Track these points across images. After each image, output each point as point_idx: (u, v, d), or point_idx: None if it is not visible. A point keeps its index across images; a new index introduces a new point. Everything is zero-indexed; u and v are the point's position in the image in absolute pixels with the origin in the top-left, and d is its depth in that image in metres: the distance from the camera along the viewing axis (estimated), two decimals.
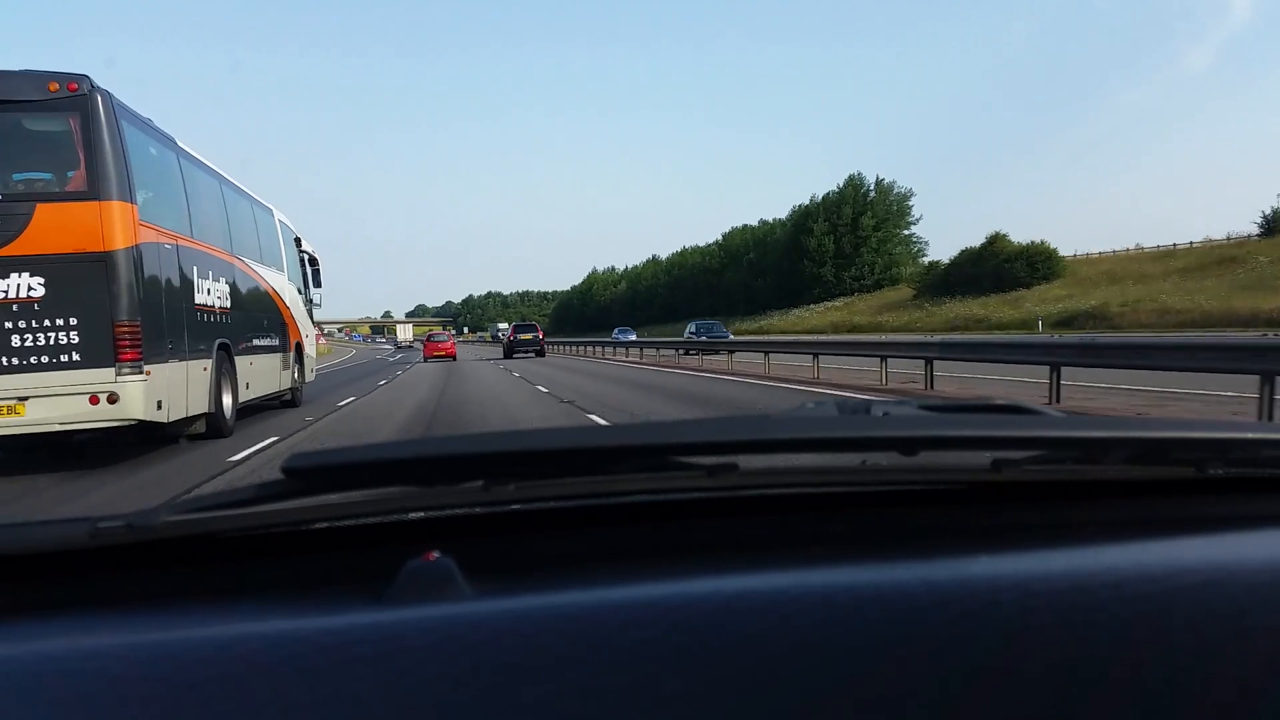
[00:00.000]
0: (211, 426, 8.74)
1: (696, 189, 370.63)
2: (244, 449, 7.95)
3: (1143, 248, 56.03)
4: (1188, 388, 9.54)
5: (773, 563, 0.65)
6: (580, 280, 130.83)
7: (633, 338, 40.21)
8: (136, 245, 7.03)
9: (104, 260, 6.79)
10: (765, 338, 31.53)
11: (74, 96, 6.81)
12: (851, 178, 72.78)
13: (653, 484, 0.72)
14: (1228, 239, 49.27)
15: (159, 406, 7.25)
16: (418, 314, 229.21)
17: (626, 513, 0.76)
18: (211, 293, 9.14)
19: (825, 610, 0.53)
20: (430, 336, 40.85)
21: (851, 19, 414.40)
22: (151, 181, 8.01)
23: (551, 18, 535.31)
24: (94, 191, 6.81)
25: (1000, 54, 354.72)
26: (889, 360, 13.27)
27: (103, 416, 6.82)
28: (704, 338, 29.84)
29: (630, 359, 29.33)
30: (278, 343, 12.03)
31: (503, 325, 55.35)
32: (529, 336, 35.99)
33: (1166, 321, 34.59)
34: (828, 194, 73.24)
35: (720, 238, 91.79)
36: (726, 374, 17.26)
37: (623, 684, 0.48)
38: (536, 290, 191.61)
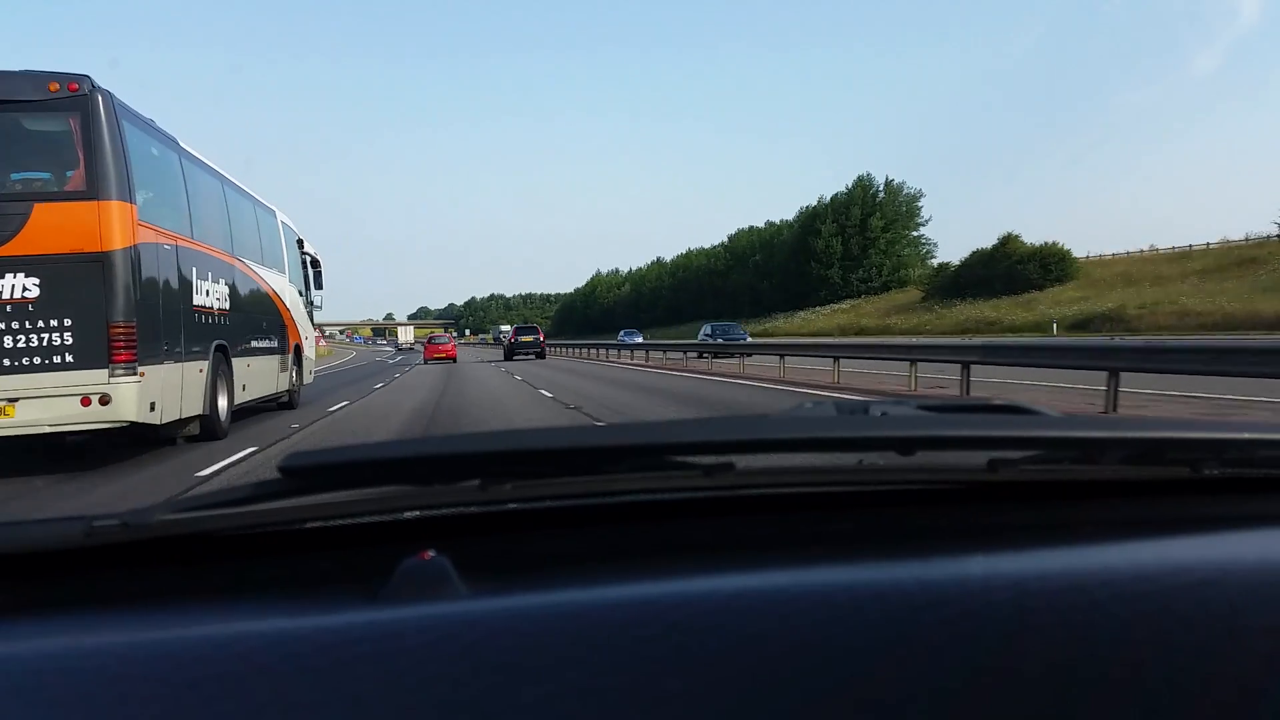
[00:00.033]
0: (205, 429, 8.74)
1: (701, 191, 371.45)
2: (219, 460, 7.48)
3: (1157, 249, 55.69)
4: (1255, 394, 8.81)
5: (771, 562, 0.65)
6: (584, 282, 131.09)
7: (639, 340, 39.79)
8: (134, 245, 7.04)
9: (101, 260, 6.79)
10: (786, 340, 30.47)
11: (74, 96, 6.83)
12: (860, 178, 72.73)
13: (650, 483, 0.72)
14: (1246, 240, 48.87)
15: (152, 408, 7.25)
16: (420, 316, 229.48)
17: (624, 512, 0.77)
18: (210, 294, 9.16)
19: (824, 610, 0.53)
20: (431, 339, 41.32)
21: (856, 21, 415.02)
22: (152, 182, 8.03)
23: (555, 21, 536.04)
24: (93, 191, 6.82)
25: (1005, 55, 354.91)
26: (919, 364, 12.55)
27: (94, 418, 6.82)
28: (720, 340, 28.50)
29: (636, 362, 28.84)
30: (276, 345, 12.04)
31: (505, 327, 55.47)
32: (529, 339, 36.37)
33: (1187, 324, 33.97)
34: (836, 195, 73.26)
35: (726, 239, 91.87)
36: (740, 378, 16.78)
37: (621, 684, 0.48)
38: (539, 292, 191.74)
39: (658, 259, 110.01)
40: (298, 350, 13.32)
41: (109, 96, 7.03)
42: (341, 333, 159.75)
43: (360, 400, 14.75)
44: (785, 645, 0.50)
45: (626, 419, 10.53)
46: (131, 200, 7.07)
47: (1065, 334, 36.05)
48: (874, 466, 0.77)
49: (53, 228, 6.76)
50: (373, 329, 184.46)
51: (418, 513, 0.73)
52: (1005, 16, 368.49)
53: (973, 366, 11.10)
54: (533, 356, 35.21)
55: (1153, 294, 41.34)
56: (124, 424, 6.95)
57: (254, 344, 10.85)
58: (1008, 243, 55.22)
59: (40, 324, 6.70)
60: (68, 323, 6.76)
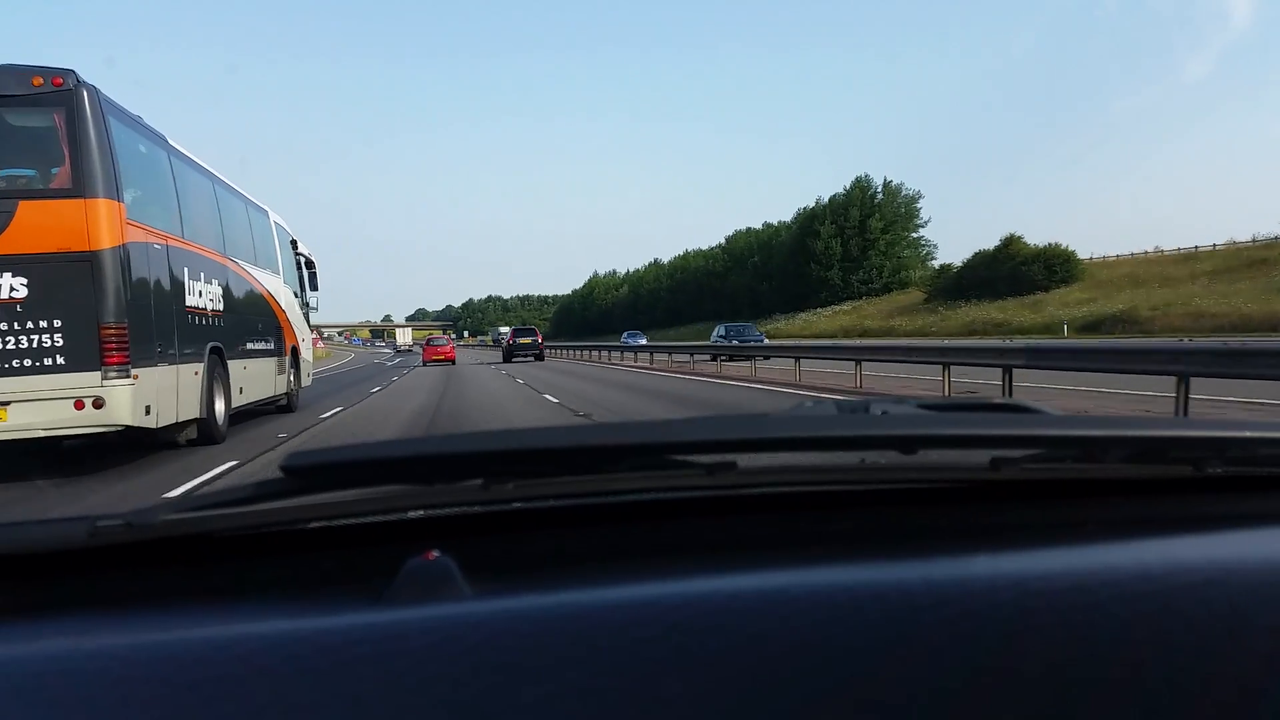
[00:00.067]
0: (203, 432, 8.62)
1: (698, 192, 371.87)
2: (199, 474, 6.90)
3: (1162, 250, 55.50)
4: None
5: (772, 562, 0.66)
6: (581, 284, 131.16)
7: (643, 341, 39.26)
8: (124, 245, 6.91)
9: (89, 260, 6.67)
10: (805, 342, 29.21)
11: (59, 91, 6.70)
12: (859, 179, 72.63)
13: (652, 483, 0.73)
14: (1254, 241, 48.73)
15: (147, 411, 7.12)
16: (418, 318, 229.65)
17: (626, 512, 0.77)
18: (204, 295, 9.02)
19: (825, 609, 0.53)
20: (429, 341, 41.76)
21: (854, 21, 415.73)
22: (140, 180, 7.90)
23: (555, 21, 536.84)
24: (79, 189, 6.69)
25: (1002, 56, 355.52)
26: (951, 368, 11.57)
27: (88, 422, 6.69)
28: (735, 341, 26.52)
29: (639, 364, 28.03)
30: (273, 346, 11.93)
31: (504, 329, 55.43)
32: (528, 340, 36.50)
33: (1202, 325, 33.45)
34: (834, 196, 73.16)
35: (724, 240, 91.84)
36: (752, 381, 16.04)
37: (622, 684, 0.48)
38: (537, 294, 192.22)
39: (655, 260, 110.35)
40: (295, 352, 13.21)
41: (94, 91, 6.89)
42: (340, 334, 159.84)
43: (355, 406, 14.20)
44: (786, 645, 0.50)
45: None
46: (119, 198, 6.94)
47: (1076, 336, 35.79)
48: (875, 465, 0.77)
49: (39, 226, 6.63)
50: (371, 331, 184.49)
51: (421, 513, 0.72)
52: (1003, 17, 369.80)
53: (1014, 371, 10.11)
54: (531, 358, 35.24)
55: (1163, 295, 41.05)
56: (118, 428, 6.82)
57: (250, 346, 10.73)
58: (1011, 244, 54.97)
59: (30, 325, 6.58)
60: (58, 324, 6.64)
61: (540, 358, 35.85)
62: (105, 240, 6.71)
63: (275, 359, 12.02)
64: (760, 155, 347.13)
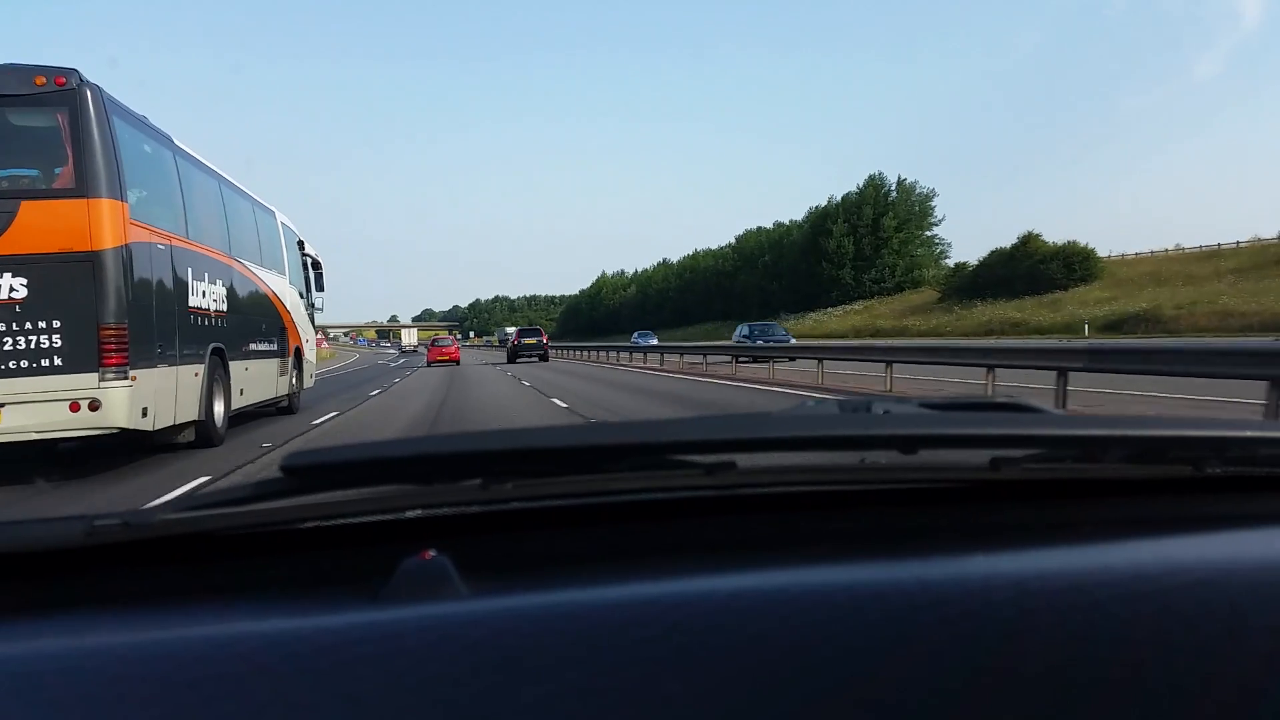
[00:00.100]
0: (201, 435, 8.59)
1: (706, 192, 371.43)
2: (170, 490, 6.20)
3: (1183, 248, 54.62)
4: None
5: (772, 561, 0.66)
6: (589, 284, 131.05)
7: (654, 342, 38.58)
8: (126, 245, 6.90)
9: (91, 260, 6.66)
10: (836, 342, 27.37)
11: (62, 91, 6.69)
12: (872, 177, 72.14)
13: (652, 482, 0.73)
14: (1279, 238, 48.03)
15: (144, 414, 7.10)
16: (424, 318, 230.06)
17: (625, 511, 0.77)
18: (207, 295, 9.02)
19: (824, 609, 0.53)
20: (434, 341, 41.88)
21: (861, 22, 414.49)
22: (144, 180, 7.90)
23: (560, 22, 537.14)
24: (82, 189, 6.68)
25: (1010, 55, 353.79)
26: (996, 371, 10.60)
27: (84, 424, 6.67)
28: (761, 341, 24.53)
29: (649, 366, 27.08)
30: (276, 348, 11.92)
31: (510, 329, 55.40)
32: (533, 341, 36.59)
33: (1229, 325, 32.26)
34: (847, 194, 72.71)
35: (733, 240, 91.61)
36: (771, 384, 15.20)
37: (621, 683, 0.48)
38: (544, 294, 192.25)
39: (664, 260, 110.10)
40: (298, 353, 13.20)
41: (98, 91, 6.89)
42: (346, 335, 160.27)
43: (351, 410, 13.51)
44: (786, 645, 0.51)
45: None
46: (123, 198, 6.93)
47: (1098, 336, 35.19)
48: (876, 465, 0.77)
49: (41, 226, 6.62)
50: (377, 331, 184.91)
51: (419, 512, 0.73)
52: (1010, 16, 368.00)
53: (1070, 374, 8.91)
54: (536, 359, 35.22)
55: (1187, 294, 40.15)
56: (115, 430, 6.80)
57: (252, 347, 10.72)
58: (1028, 242, 54.12)
59: (28, 326, 6.56)
60: (56, 325, 6.62)
61: (545, 358, 35.78)
62: (107, 240, 6.70)
63: (278, 360, 12.00)
64: (769, 156, 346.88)
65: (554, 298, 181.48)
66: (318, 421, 11.54)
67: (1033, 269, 51.71)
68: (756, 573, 0.62)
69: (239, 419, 10.37)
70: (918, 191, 71.81)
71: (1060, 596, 0.55)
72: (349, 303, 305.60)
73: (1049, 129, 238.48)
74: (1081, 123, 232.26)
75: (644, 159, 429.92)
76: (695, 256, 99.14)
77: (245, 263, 10.74)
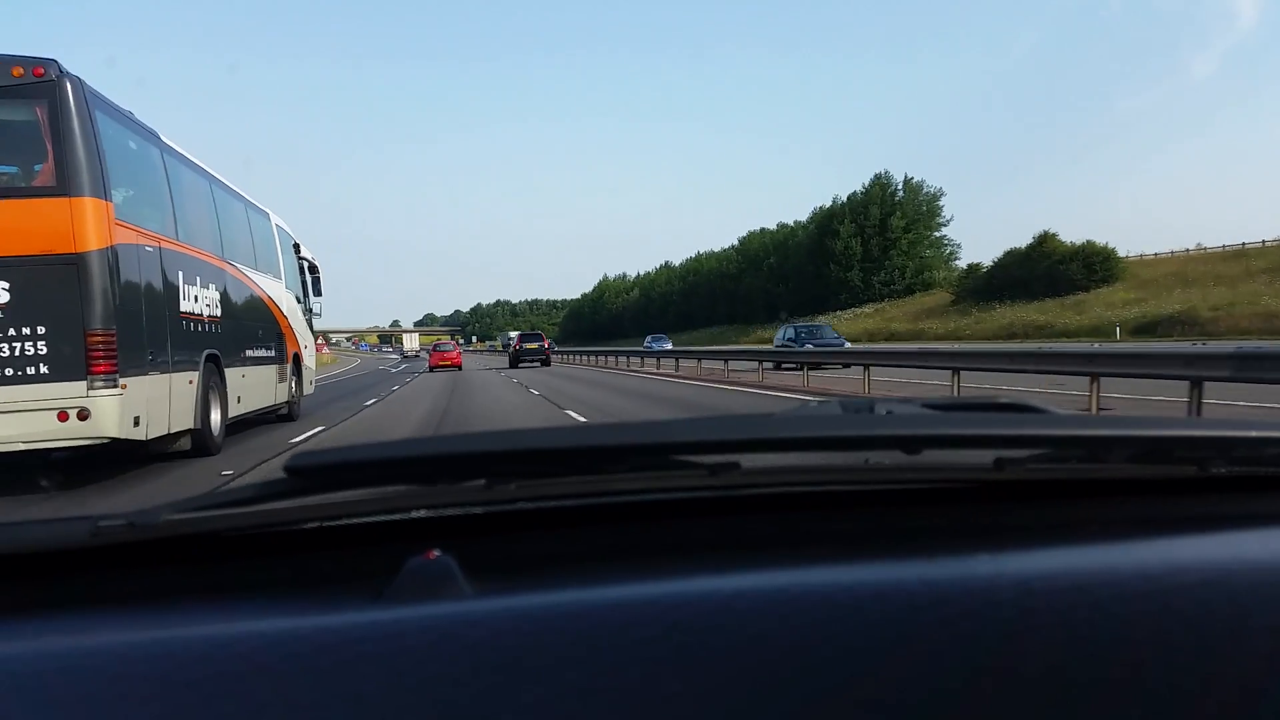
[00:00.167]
0: (197, 444, 8.36)
1: (708, 192, 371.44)
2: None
3: (1205, 248, 53.72)
4: None
5: (774, 562, 0.66)
6: (591, 288, 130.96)
7: (668, 346, 37.04)
8: (112, 246, 6.65)
9: (75, 263, 6.41)
10: (897, 347, 24.92)
11: (41, 82, 6.44)
12: (878, 176, 71.56)
13: (654, 483, 0.73)
14: None
15: (136, 423, 6.85)
16: (426, 323, 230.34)
17: (628, 512, 0.77)
18: (199, 300, 8.77)
19: (826, 609, 0.54)
20: (436, 346, 42.12)
21: (863, 22, 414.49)
22: (130, 178, 7.65)
23: (560, 24, 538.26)
24: (63, 187, 6.43)
25: (1007, 56, 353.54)
26: (1100, 380, 8.94)
27: (72, 434, 6.42)
28: (810, 346, 21.26)
29: (663, 371, 25.20)
30: (273, 354, 11.70)
31: (513, 334, 55.14)
32: (535, 346, 36.54)
33: (1274, 327, 31.10)
34: (853, 194, 72.19)
35: (737, 241, 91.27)
36: (808, 393, 13.82)
37: (623, 683, 0.49)
38: (546, 299, 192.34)
39: (666, 263, 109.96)
40: (296, 359, 12.98)
41: (79, 83, 6.63)
42: (348, 340, 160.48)
43: (340, 424, 12.17)
44: (787, 645, 0.51)
45: None
46: (107, 197, 6.68)
47: (1130, 339, 34.44)
48: (879, 466, 0.78)
49: (20, 227, 6.37)
50: (379, 336, 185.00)
51: (423, 512, 0.73)
52: (1006, 17, 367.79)
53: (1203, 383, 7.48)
54: (538, 364, 35.14)
55: (1221, 294, 39.16)
56: (105, 440, 6.55)
57: (249, 353, 10.49)
58: (1045, 242, 53.34)
59: (10, 332, 6.32)
60: (41, 331, 6.37)
61: (547, 363, 35.63)
62: (92, 242, 6.45)
63: (276, 366, 11.78)
64: (770, 156, 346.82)
65: (556, 301, 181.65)
66: (296, 440, 10.00)
67: (1051, 270, 50.95)
68: (758, 573, 0.62)
69: (237, 426, 10.09)
70: (925, 190, 71.33)
71: (1063, 596, 0.55)
72: (351, 307, 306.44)
73: (1050, 129, 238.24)
74: (1083, 123, 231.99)
75: (644, 159, 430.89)
76: (698, 259, 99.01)
77: (239, 266, 10.49)
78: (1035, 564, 0.63)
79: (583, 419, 11.80)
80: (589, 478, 0.72)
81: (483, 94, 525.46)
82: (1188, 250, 54.82)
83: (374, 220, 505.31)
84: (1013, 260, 54.96)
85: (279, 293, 12.34)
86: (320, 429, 11.36)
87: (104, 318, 6.46)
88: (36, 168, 6.59)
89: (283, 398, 12.12)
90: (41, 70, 6.42)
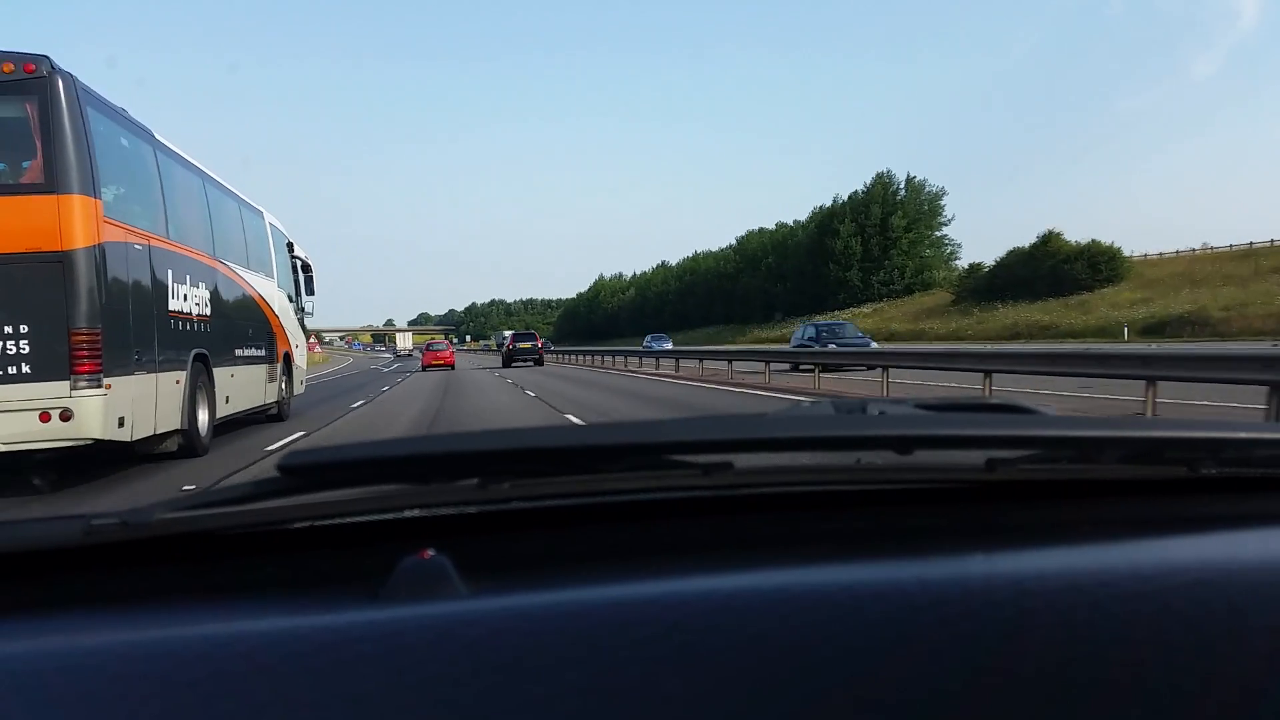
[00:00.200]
0: (185, 444, 8.32)
1: (706, 192, 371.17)
2: None
3: (1211, 247, 53.30)
4: None
5: (770, 561, 0.66)
6: (587, 287, 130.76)
7: (669, 346, 36.34)
8: (99, 244, 6.61)
9: (61, 261, 6.37)
10: (927, 347, 22.52)
11: (31, 79, 6.41)
12: (880, 175, 71.18)
13: (649, 483, 0.73)
14: None
15: (121, 424, 6.81)
16: (420, 322, 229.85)
17: (623, 511, 0.77)
18: (189, 299, 8.73)
19: (823, 609, 0.54)
20: (429, 345, 42.18)
21: (857, 25, 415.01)
22: (121, 176, 7.62)
23: (557, 23, 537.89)
24: (51, 184, 6.39)
25: (1007, 57, 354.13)
26: (1157, 384, 8.03)
27: (54, 436, 6.37)
28: (833, 346, 19.80)
29: (662, 372, 24.41)
30: (264, 353, 11.65)
31: (506, 333, 55.03)
32: (528, 345, 36.74)
33: None
34: (854, 193, 71.90)
35: (735, 241, 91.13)
36: (817, 393, 13.49)
37: (621, 683, 0.49)
38: (540, 298, 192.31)
39: (663, 263, 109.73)
40: (287, 359, 12.94)
41: (70, 79, 6.60)
42: (341, 338, 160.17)
43: (323, 429, 11.60)
44: (785, 645, 0.51)
45: None
46: (96, 195, 6.65)
47: (1138, 340, 33.95)
48: (872, 466, 0.78)
49: (7, 224, 6.34)
50: (373, 335, 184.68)
51: (418, 512, 0.73)
52: (1007, 17, 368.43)
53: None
54: (531, 363, 35.20)
55: (1232, 294, 38.58)
56: (89, 441, 6.50)
57: (238, 352, 10.45)
58: (1049, 241, 52.81)
59: None
60: (24, 330, 6.34)
61: (540, 362, 35.68)
62: (79, 239, 6.41)
63: (266, 366, 11.73)
64: (770, 157, 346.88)
65: (551, 301, 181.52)
66: (272, 447, 9.37)
67: (1055, 269, 50.44)
68: (756, 572, 0.62)
69: (227, 427, 10.04)
70: (927, 190, 71.08)
71: (1059, 597, 0.55)
72: (344, 306, 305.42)
73: (1050, 129, 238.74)
74: (1084, 123, 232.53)
75: (644, 159, 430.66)
76: (695, 258, 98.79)
77: (230, 265, 10.45)
78: (1031, 564, 0.64)
79: (579, 420, 11.51)
80: (584, 477, 0.72)
81: (482, 94, 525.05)
82: (1194, 250, 54.39)
83: (371, 219, 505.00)
84: (1016, 259, 54.50)
85: (271, 291, 12.29)
86: (300, 434, 10.72)
87: (89, 316, 6.43)
88: (26, 164, 6.56)
89: (273, 397, 12.07)
90: (32, 67, 6.39)
